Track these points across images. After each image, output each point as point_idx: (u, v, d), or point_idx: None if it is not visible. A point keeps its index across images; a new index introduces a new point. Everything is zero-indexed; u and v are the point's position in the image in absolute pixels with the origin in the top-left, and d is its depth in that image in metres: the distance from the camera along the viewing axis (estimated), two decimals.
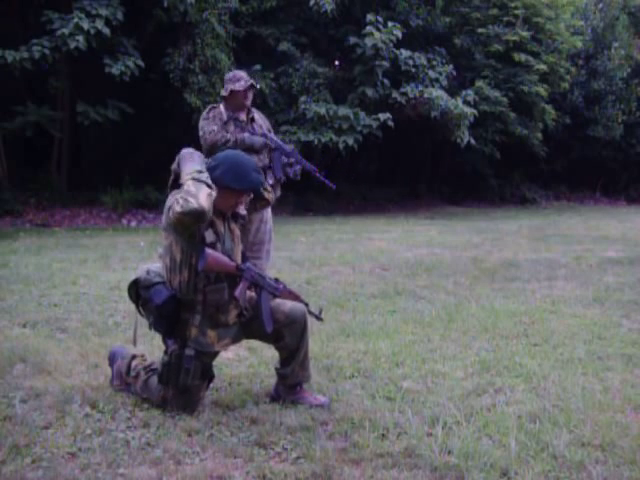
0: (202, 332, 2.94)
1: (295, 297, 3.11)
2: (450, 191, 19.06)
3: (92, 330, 4.29)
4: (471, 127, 15.09)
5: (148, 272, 2.99)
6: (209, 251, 2.83)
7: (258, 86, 4.82)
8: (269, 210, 4.86)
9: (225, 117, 4.63)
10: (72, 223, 11.76)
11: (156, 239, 9.19)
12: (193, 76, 12.65)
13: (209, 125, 4.60)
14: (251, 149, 4.57)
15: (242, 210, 3.10)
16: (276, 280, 3.09)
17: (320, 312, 3.19)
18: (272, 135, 4.77)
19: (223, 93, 4.71)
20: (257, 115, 4.85)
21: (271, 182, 4.71)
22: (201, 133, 4.61)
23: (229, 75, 4.76)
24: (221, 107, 4.70)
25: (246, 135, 4.59)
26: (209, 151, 4.54)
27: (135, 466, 2.46)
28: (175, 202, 2.74)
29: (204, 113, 4.72)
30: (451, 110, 14.03)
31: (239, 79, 4.67)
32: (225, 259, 2.89)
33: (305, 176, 4.88)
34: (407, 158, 18.73)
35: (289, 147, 4.81)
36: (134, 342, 3.17)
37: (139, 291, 2.98)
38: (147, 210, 13.01)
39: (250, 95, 4.72)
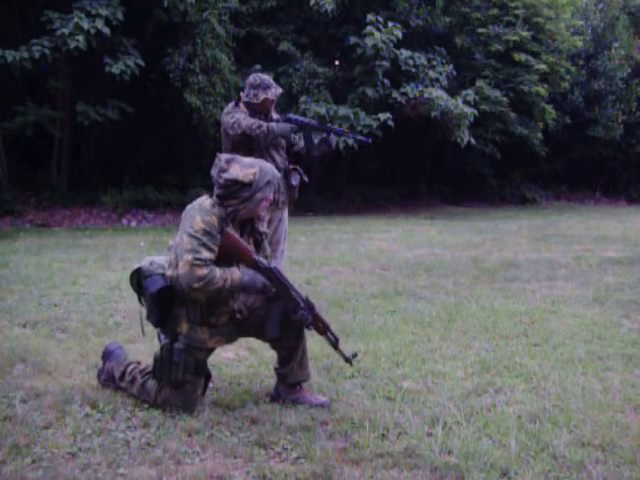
0: (193, 328, 2.95)
1: (325, 327, 3.03)
2: (450, 191, 19.05)
3: (92, 330, 4.29)
4: (471, 127, 15.08)
5: (151, 263, 3.01)
6: (230, 230, 2.84)
7: (280, 90, 4.77)
8: (286, 210, 4.90)
9: (249, 115, 4.62)
10: (72, 223, 11.75)
11: (156, 239, 9.19)
12: (193, 76, 12.65)
13: (239, 113, 4.57)
14: (281, 137, 4.57)
15: (262, 227, 3.11)
16: (306, 301, 2.98)
17: (354, 356, 3.14)
18: (294, 115, 4.76)
19: (253, 100, 4.56)
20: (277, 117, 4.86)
21: (295, 183, 4.74)
22: (232, 120, 4.50)
23: (256, 80, 4.60)
24: (242, 107, 4.66)
25: (274, 124, 4.55)
26: (239, 141, 4.53)
27: (135, 466, 2.46)
28: (208, 269, 2.75)
29: (229, 107, 4.65)
30: (451, 110, 14.02)
31: (269, 86, 4.57)
32: (245, 245, 2.89)
33: (307, 177, 4.91)
34: (407, 158, 18.73)
35: (313, 121, 4.81)
36: (142, 332, 3.22)
37: (141, 280, 3.00)
38: (147, 210, 13.01)
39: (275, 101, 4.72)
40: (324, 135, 4.70)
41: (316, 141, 4.72)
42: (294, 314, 2.94)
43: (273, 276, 2.93)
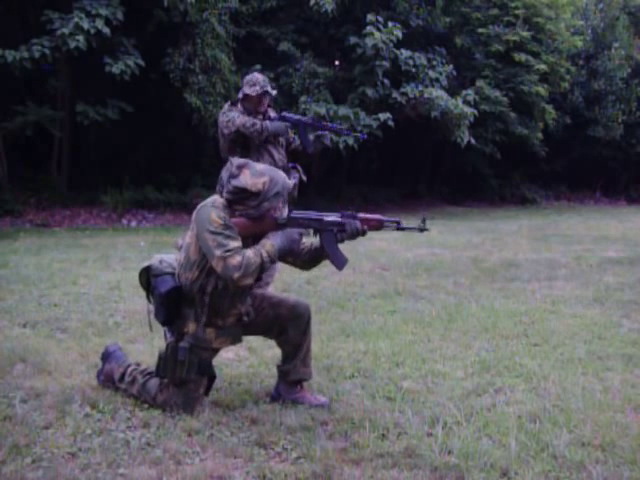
0: (200, 329, 2.96)
1: (378, 221, 3.02)
2: (450, 191, 19.05)
3: (92, 330, 4.29)
4: (471, 127, 15.07)
5: (161, 262, 3.03)
6: (235, 219, 2.86)
7: (274, 92, 4.78)
8: (286, 210, 4.89)
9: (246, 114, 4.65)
10: (72, 223, 11.75)
11: (156, 239, 9.19)
12: (193, 76, 12.64)
13: (234, 112, 4.60)
14: (275, 135, 4.61)
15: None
16: (343, 215, 3.01)
17: (423, 222, 3.06)
18: (289, 114, 4.79)
19: (239, 95, 4.69)
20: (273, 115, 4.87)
21: (294, 181, 4.76)
22: (226, 119, 4.57)
23: (247, 77, 4.73)
24: (239, 106, 4.69)
25: (268, 122, 4.60)
26: (234, 139, 4.56)
27: (135, 466, 2.47)
28: (241, 254, 2.76)
29: (225, 107, 4.71)
30: (451, 110, 14.02)
31: (254, 84, 4.64)
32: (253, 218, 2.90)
33: (306, 176, 4.92)
34: (407, 158, 18.73)
35: (308, 119, 4.85)
36: (150, 328, 3.24)
37: (150, 279, 3.02)
38: (147, 210, 13.01)
39: (265, 101, 4.72)
40: (319, 132, 4.74)
41: (311, 138, 4.76)
42: (343, 233, 2.97)
43: (299, 220, 2.96)
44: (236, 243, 2.80)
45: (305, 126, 4.75)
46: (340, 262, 3.00)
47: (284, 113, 4.79)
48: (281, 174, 2.99)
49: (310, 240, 3.08)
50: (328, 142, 4.78)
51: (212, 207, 2.87)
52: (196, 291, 2.92)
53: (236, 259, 2.75)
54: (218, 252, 2.76)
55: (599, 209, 18.84)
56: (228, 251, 2.76)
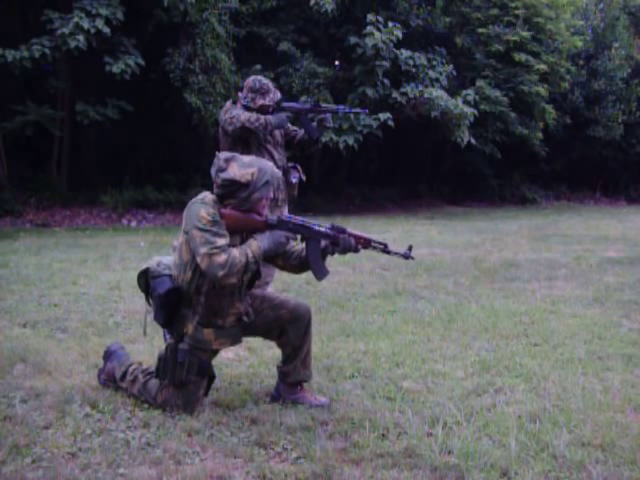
0: (199, 330, 2.96)
1: (366, 240, 2.98)
2: (450, 191, 19.05)
3: (92, 330, 4.29)
4: (471, 127, 15.08)
5: (159, 264, 3.02)
6: (224, 210, 2.86)
7: (279, 95, 4.77)
8: (285, 208, 4.90)
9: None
10: (72, 223, 11.76)
11: (156, 239, 9.19)
12: (193, 76, 12.65)
13: (237, 109, 4.58)
14: (279, 127, 4.61)
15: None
16: (333, 227, 2.99)
17: (409, 250, 3.02)
18: (288, 103, 4.79)
19: (250, 104, 4.58)
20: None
21: (294, 180, 4.75)
22: (230, 115, 4.52)
23: (255, 84, 4.61)
24: (239, 107, 4.66)
25: (270, 117, 4.57)
26: (237, 137, 4.55)
27: (135, 466, 2.46)
28: (227, 253, 2.76)
29: (227, 105, 4.66)
30: (451, 110, 14.02)
31: (267, 91, 4.60)
32: (246, 214, 2.89)
33: (305, 176, 4.92)
34: (407, 158, 18.73)
35: (307, 104, 4.85)
36: (144, 331, 3.23)
37: (148, 281, 3.01)
38: (147, 210, 13.01)
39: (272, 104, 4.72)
40: (320, 116, 4.74)
41: (314, 124, 4.77)
42: (336, 247, 2.94)
43: (289, 224, 2.95)
44: (223, 240, 2.79)
45: (306, 113, 4.75)
46: (320, 273, 2.99)
47: (283, 103, 4.77)
48: (269, 163, 2.99)
49: (301, 246, 3.07)
50: (330, 124, 4.79)
51: (202, 203, 2.86)
52: (193, 292, 2.92)
53: (222, 257, 2.75)
54: (204, 249, 2.76)
55: (599, 209, 18.83)
56: (215, 248, 2.75)
